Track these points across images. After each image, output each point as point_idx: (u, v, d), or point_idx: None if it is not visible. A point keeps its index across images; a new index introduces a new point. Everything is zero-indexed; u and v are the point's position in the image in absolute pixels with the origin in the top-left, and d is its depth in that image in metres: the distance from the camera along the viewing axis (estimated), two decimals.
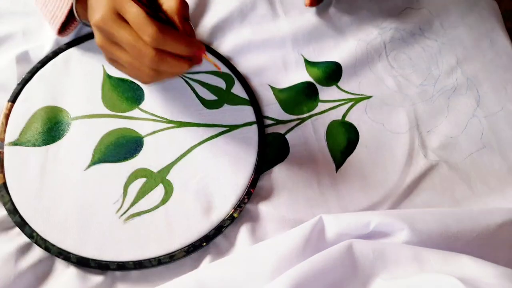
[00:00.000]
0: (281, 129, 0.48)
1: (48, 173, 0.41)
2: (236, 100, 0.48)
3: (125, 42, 0.34)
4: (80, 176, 0.41)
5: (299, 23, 0.54)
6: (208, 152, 0.44)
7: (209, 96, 0.47)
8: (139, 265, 0.39)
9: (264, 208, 0.43)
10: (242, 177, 0.44)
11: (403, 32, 0.56)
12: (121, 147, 0.43)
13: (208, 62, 0.38)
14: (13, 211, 0.39)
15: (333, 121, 0.50)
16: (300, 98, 0.50)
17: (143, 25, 0.32)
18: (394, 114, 0.51)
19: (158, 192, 0.42)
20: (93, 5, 0.35)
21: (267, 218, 0.43)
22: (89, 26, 0.46)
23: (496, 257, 0.38)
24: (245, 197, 0.43)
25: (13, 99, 0.43)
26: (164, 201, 0.42)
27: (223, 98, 0.47)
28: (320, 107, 0.50)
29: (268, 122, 0.48)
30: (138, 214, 0.41)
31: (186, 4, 0.35)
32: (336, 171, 0.47)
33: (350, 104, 0.51)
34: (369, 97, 0.52)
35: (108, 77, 0.46)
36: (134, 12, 0.32)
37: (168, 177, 0.43)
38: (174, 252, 0.40)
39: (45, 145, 0.42)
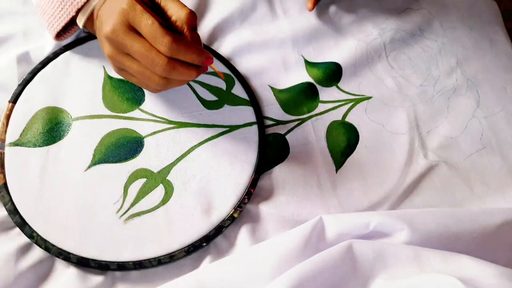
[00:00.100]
0: (281, 129, 0.48)
1: (49, 173, 0.41)
2: (236, 101, 0.48)
3: (137, 52, 0.35)
4: (80, 176, 0.41)
5: (299, 24, 0.54)
6: (208, 153, 0.44)
7: (209, 96, 0.47)
8: (139, 265, 0.39)
9: (264, 208, 0.44)
10: (242, 177, 0.44)
11: (403, 33, 0.56)
12: (121, 148, 0.43)
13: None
14: (13, 211, 0.39)
15: (333, 121, 0.50)
16: (300, 98, 0.50)
17: (158, 35, 0.34)
18: (394, 114, 0.51)
19: (158, 192, 0.42)
20: (102, 18, 0.37)
21: (267, 218, 0.43)
22: (88, 32, 0.46)
23: (496, 257, 0.38)
24: (246, 197, 0.43)
25: (14, 100, 0.43)
26: (164, 201, 0.42)
27: (223, 98, 0.48)
28: (320, 107, 0.50)
29: (268, 122, 0.48)
30: (138, 214, 0.41)
31: (195, 14, 0.37)
32: (336, 171, 0.47)
33: (350, 104, 0.51)
34: (369, 97, 0.52)
35: (108, 78, 0.46)
36: (149, 24, 0.34)
37: (169, 177, 0.43)
38: (174, 252, 0.40)
39: (46, 145, 0.42)
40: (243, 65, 0.51)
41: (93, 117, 0.44)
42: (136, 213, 0.41)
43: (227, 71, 0.49)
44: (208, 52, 0.37)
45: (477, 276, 0.31)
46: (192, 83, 0.48)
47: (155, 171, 0.43)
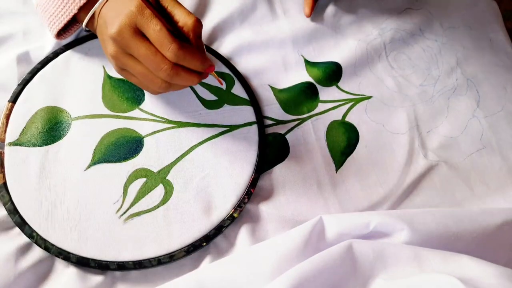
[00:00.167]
0: (281, 129, 0.48)
1: (48, 173, 0.41)
2: (236, 100, 0.48)
3: (142, 55, 0.35)
4: (80, 176, 0.41)
5: (299, 24, 0.54)
6: (208, 152, 0.44)
7: (209, 96, 0.47)
8: (139, 265, 0.39)
9: (264, 208, 0.44)
10: (242, 177, 0.44)
11: (403, 33, 0.56)
12: (121, 147, 0.43)
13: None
14: (13, 211, 0.39)
15: (333, 121, 0.50)
16: (300, 98, 0.50)
17: (166, 41, 0.34)
18: (394, 114, 0.51)
19: (158, 192, 0.42)
20: (108, 18, 0.37)
21: (267, 218, 0.43)
22: (89, 31, 0.46)
23: (496, 257, 0.38)
24: (245, 197, 0.43)
25: (14, 100, 0.43)
26: (164, 201, 0.42)
27: (223, 98, 0.48)
28: (320, 107, 0.50)
29: (268, 122, 0.48)
30: (138, 214, 0.41)
31: (201, 23, 0.38)
32: (336, 171, 0.47)
33: (350, 104, 0.51)
34: (369, 97, 0.52)
35: (108, 77, 0.46)
36: (157, 29, 0.35)
37: (168, 177, 0.43)
38: (174, 252, 0.40)
39: (46, 145, 0.42)
40: (243, 65, 0.51)
41: (93, 117, 0.44)
42: (136, 212, 0.41)
43: (227, 71, 0.49)
44: (210, 60, 0.38)
45: (477, 276, 0.31)
46: None
47: (155, 170, 0.43)
